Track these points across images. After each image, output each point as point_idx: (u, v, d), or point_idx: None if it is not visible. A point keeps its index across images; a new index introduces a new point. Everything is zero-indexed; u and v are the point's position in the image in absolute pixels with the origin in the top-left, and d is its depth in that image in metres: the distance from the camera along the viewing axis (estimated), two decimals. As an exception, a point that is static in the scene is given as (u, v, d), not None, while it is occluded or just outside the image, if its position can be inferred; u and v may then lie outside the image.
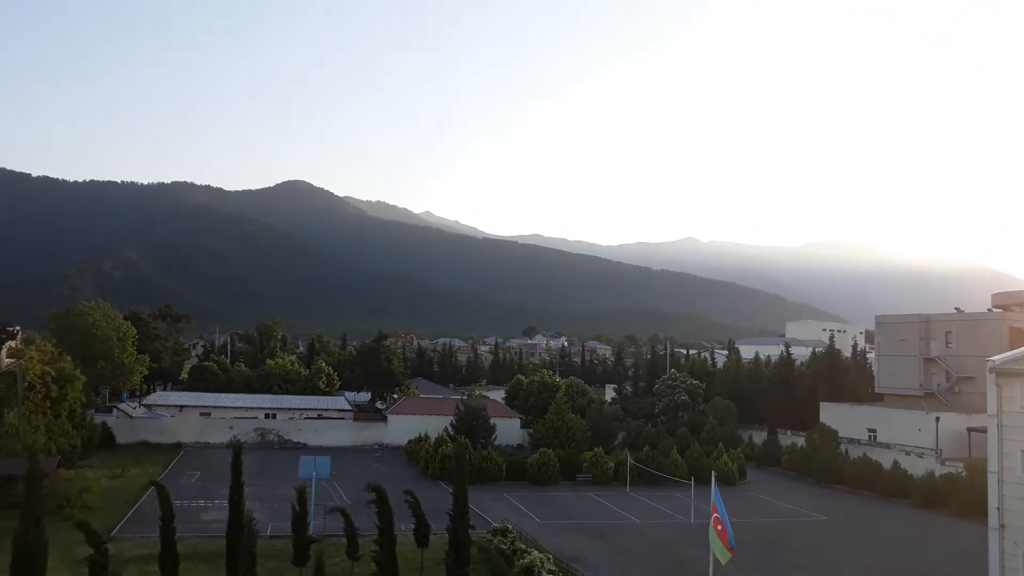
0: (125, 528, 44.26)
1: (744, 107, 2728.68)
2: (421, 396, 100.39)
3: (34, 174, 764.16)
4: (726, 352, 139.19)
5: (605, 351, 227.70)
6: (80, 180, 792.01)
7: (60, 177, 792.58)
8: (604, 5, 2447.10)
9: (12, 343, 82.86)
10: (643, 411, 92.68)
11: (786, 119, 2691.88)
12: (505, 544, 38.53)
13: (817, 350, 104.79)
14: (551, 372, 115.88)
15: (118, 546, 37.58)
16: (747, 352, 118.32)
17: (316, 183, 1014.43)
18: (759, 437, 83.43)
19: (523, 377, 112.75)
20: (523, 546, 38.67)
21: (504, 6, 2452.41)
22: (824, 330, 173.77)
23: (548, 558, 37.21)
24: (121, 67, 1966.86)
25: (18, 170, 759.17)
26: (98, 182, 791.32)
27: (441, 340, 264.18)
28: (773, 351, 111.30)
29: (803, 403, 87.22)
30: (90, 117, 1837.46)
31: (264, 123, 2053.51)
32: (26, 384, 60.81)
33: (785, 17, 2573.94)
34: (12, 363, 65.68)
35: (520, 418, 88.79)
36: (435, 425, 76.27)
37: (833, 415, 77.82)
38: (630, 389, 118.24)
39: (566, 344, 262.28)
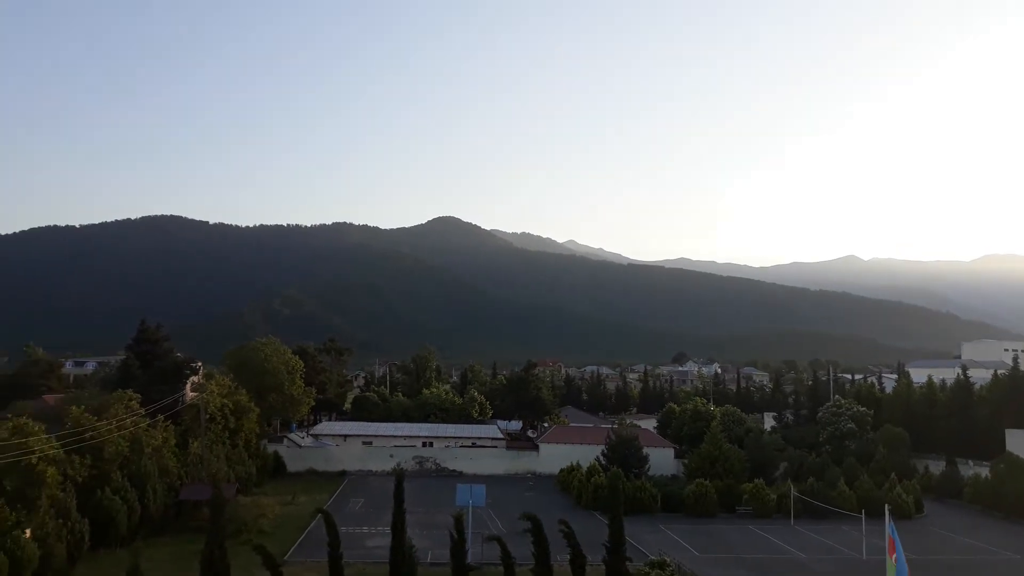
0: (297, 552, 46.71)
1: (905, 113, 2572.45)
2: (571, 425, 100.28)
3: (211, 222, 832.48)
4: (895, 376, 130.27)
5: (762, 377, 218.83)
6: (251, 225, 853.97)
7: (233, 223, 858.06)
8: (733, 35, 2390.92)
9: (195, 378, 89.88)
10: (806, 440, 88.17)
11: (952, 124, 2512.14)
12: (663, 577, 37.59)
13: (999, 372, 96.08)
14: (704, 400, 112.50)
15: (291, 570, 39.70)
16: (919, 376, 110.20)
17: (464, 218, 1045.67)
18: (936, 467, 77.23)
19: (675, 405, 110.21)
20: (681, 580, 37.56)
21: (640, 42, 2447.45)
22: (1006, 350, 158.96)
23: (708, 593, 35.95)
24: (284, 120, 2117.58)
25: (197, 219, 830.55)
26: (267, 226, 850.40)
27: (589, 368, 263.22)
28: (948, 374, 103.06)
29: (984, 430, 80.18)
30: (257, 167, 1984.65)
31: (415, 163, 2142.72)
32: (208, 416, 65.77)
33: (943, 27, 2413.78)
34: (195, 397, 71.19)
35: (674, 448, 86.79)
36: (586, 454, 75.95)
37: (1021, 443, 70.96)
38: (791, 417, 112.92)
39: (719, 370, 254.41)
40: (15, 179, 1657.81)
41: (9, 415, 47.89)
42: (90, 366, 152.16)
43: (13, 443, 42.65)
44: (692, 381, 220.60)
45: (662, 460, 79.93)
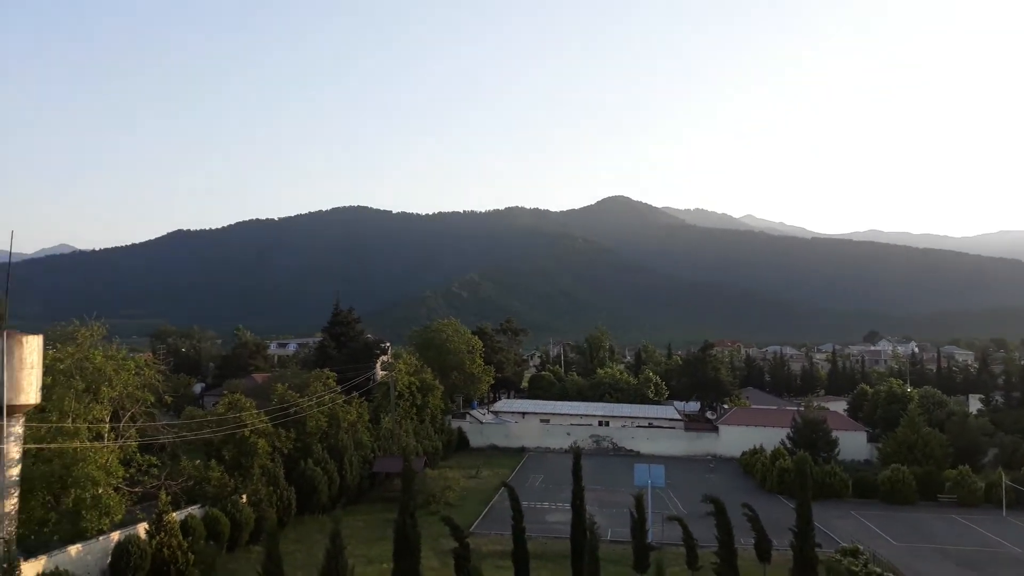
0: (481, 525, 48.49)
1: None
2: (752, 407, 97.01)
3: (394, 211, 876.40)
4: None
5: (965, 357, 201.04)
6: (430, 213, 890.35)
7: (414, 212, 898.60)
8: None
9: (384, 358, 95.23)
10: (1019, 424, 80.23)
11: None
12: (857, 566, 35.63)
13: None
14: (900, 381, 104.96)
15: (476, 541, 41.28)
16: None
17: (634, 197, 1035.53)
18: None
19: (867, 387, 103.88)
20: (878, 570, 35.47)
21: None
22: None
23: (908, 585, 33.67)
24: (456, 112, 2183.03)
25: (382, 208, 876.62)
26: (444, 213, 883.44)
27: (771, 348, 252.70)
28: None
29: None
30: (434, 157, 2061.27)
31: (584, 145, 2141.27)
32: (396, 393, 69.56)
33: None
34: (385, 375, 75.44)
35: (866, 431, 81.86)
36: (769, 437, 73.35)
37: None
38: (1000, 399, 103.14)
39: (916, 350, 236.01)
40: (225, 179, 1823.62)
41: (225, 392, 52.88)
42: (291, 347, 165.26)
43: (230, 417, 47.20)
44: (886, 361, 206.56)
45: (853, 444, 75.79)
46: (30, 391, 32.24)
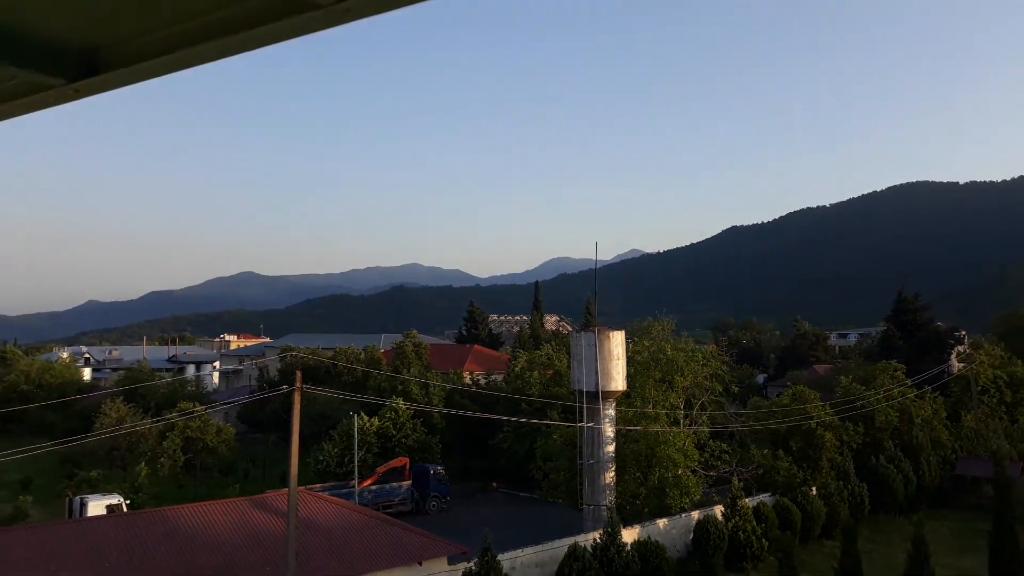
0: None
1: None
2: None
3: (961, 181, 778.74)
4: None
5: None
6: (1007, 179, 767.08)
7: (986, 179, 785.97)
8: None
9: (960, 348, 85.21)
10: None
11: None
12: None
13: None
14: None
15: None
16: None
17: None
18: None
19: None
20: None
21: None
22: None
23: None
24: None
25: (946, 180, 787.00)
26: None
27: None
28: None
29: None
30: (995, 118, 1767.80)
31: None
32: (979, 388, 61.51)
33: None
34: (963, 367, 67.40)
35: None
36: None
37: None
38: None
39: None
40: (777, 174, 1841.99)
41: (788, 383, 53.31)
42: (852, 337, 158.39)
43: (794, 408, 47.40)
44: None
45: None
46: (618, 378, 37.32)
